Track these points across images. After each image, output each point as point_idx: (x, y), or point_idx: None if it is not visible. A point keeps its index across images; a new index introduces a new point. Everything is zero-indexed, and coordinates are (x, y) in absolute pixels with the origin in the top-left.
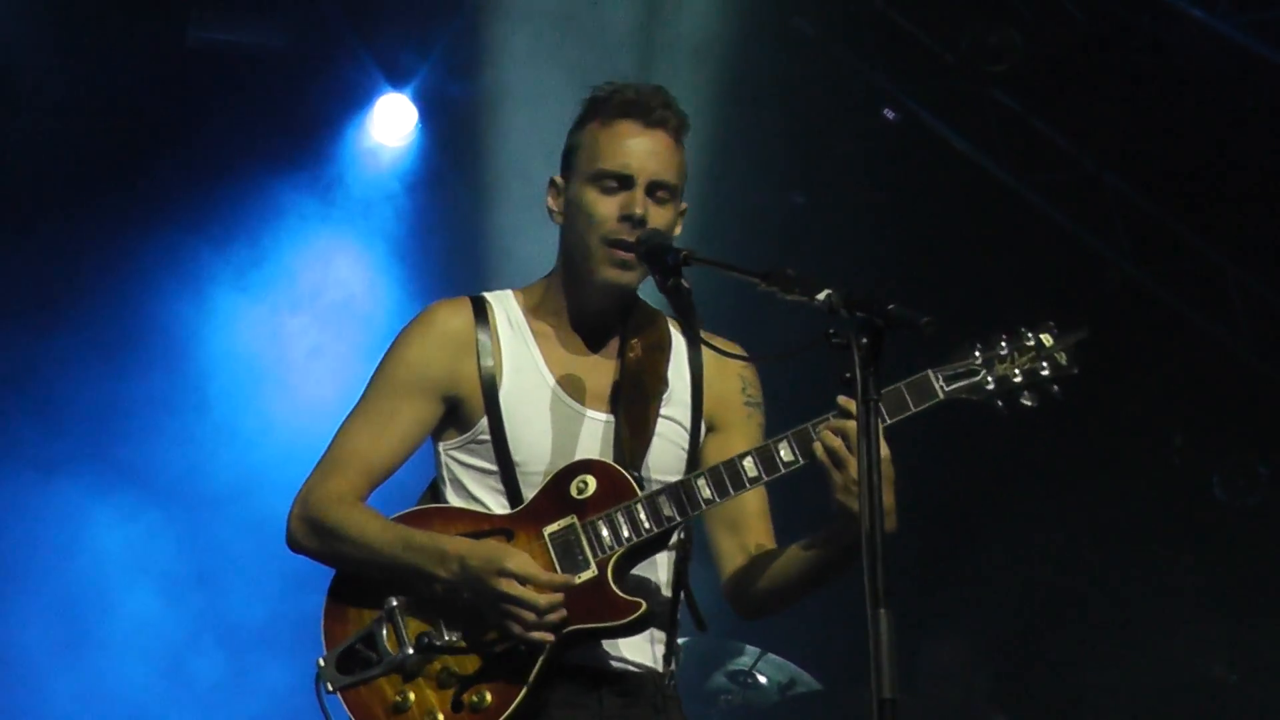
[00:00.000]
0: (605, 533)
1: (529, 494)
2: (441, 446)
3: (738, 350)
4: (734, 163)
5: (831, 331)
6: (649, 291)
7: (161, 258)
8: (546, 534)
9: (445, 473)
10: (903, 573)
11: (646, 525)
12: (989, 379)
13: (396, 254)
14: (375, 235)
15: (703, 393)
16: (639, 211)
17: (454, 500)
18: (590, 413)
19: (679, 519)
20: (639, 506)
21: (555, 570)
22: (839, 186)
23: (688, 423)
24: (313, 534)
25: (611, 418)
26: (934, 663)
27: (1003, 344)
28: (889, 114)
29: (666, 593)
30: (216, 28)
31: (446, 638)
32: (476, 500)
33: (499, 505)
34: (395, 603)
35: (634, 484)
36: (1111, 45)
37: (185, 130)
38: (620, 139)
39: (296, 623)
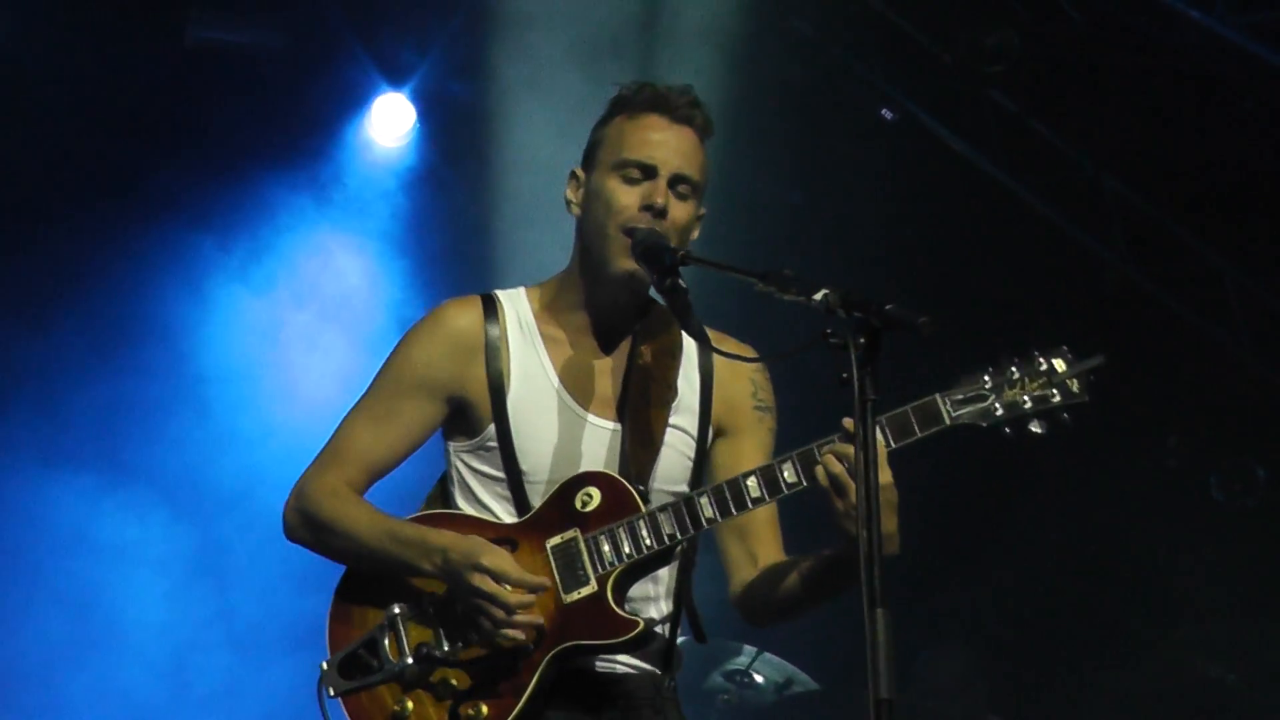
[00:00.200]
0: (607, 548)
1: (536, 502)
2: (451, 447)
3: (745, 352)
4: (732, 163)
5: (829, 332)
6: None
7: (162, 257)
8: (549, 546)
9: (454, 473)
10: (900, 577)
11: (648, 542)
12: (997, 405)
13: (396, 253)
14: (375, 235)
15: (711, 399)
16: (660, 201)
17: (463, 504)
18: (598, 421)
19: (680, 537)
20: (641, 523)
21: (555, 581)
22: (836, 187)
23: (695, 431)
24: (305, 525)
25: (619, 426)
26: (932, 667)
27: (1013, 369)
28: (887, 115)
29: (668, 602)
30: (216, 27)
31: (446, 649)
32: (485, 507)
33: (506, 513)
34: (398, 610)
35: (638, 499)
36: (1109, 46)
37: (185, 131)
38: (646, 131)
39: (300, 624)
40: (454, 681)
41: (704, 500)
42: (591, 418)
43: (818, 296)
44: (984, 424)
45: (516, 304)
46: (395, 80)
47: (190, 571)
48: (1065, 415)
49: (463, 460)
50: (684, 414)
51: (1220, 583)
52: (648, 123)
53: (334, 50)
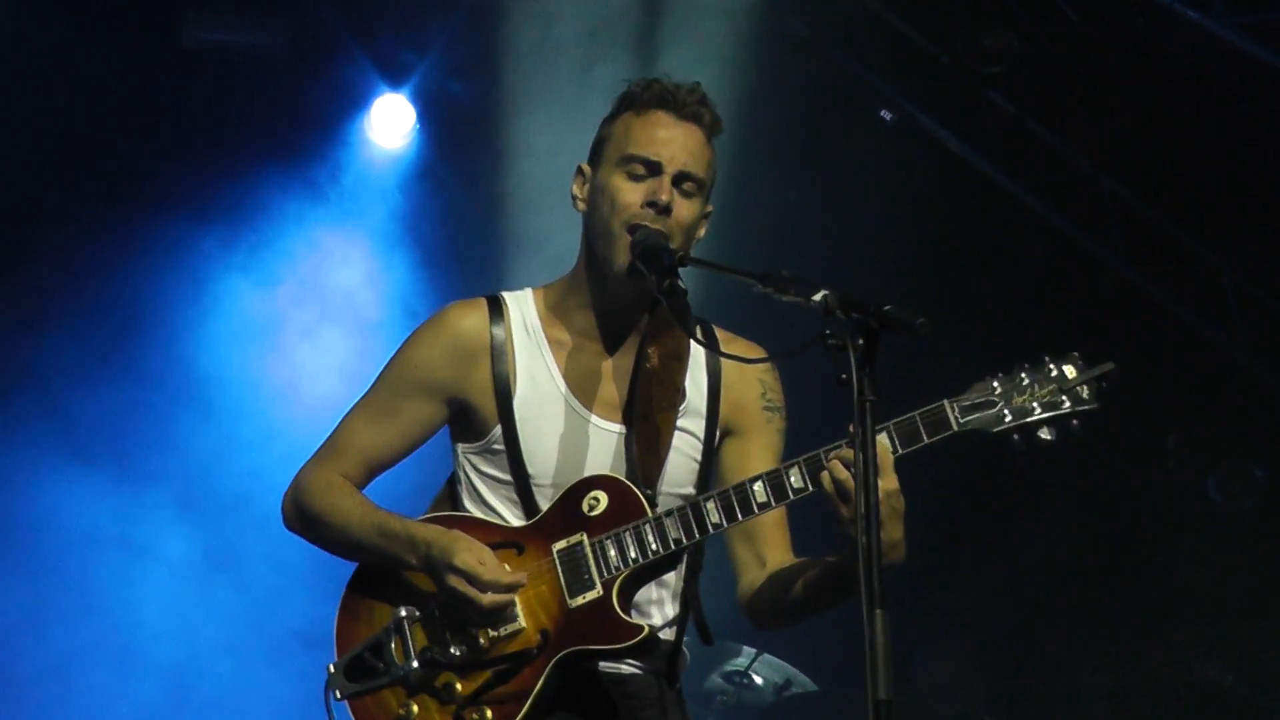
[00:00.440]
0: (612, 553)
1: (543, 505)
2: (459, 448)
3: (755, 352)
4: (730, 163)
5: (827, 333)
6: None
7: (163, 257)
8: (555, 551)
9: (462, 475)
10: (899, 575)
11: (654, 547)
12: (1006, 412)
13: (397, 254)
14: (375, 236)
15: (719, 401)
16: (664, 199)
17: (470, 506)
18: (605, 424)
19: (686, 542)
20: (647, 528)
21: (561, 585)
22: (835, 188)
23: (702, 434)
24: (299, 517)
25: (625, 430)
26: (930, 668)
27: (1023, 375)
28: (885, 116)
29: (674, 606)
30: (214, 29)
31: (451, 653)
32: (492, 510)
33: (514, 515)
34: (404, 613)
35: (645, 503)
36: (1108, 47)
37: (184, 133)
38: (652, 127)
39: (307, 626)
40: (459, 686)
41: (710, 505)
42: (598, 421)
43: (816, 298)
44: (993, 430)
45: (522, 306)
46: (394, 81)
47: (193, 573)
48: (1075, 422)
49: (470, 462)
50: (691, 417)
51: (1218, 584)
52: (654, 119)
53: (333, 51)
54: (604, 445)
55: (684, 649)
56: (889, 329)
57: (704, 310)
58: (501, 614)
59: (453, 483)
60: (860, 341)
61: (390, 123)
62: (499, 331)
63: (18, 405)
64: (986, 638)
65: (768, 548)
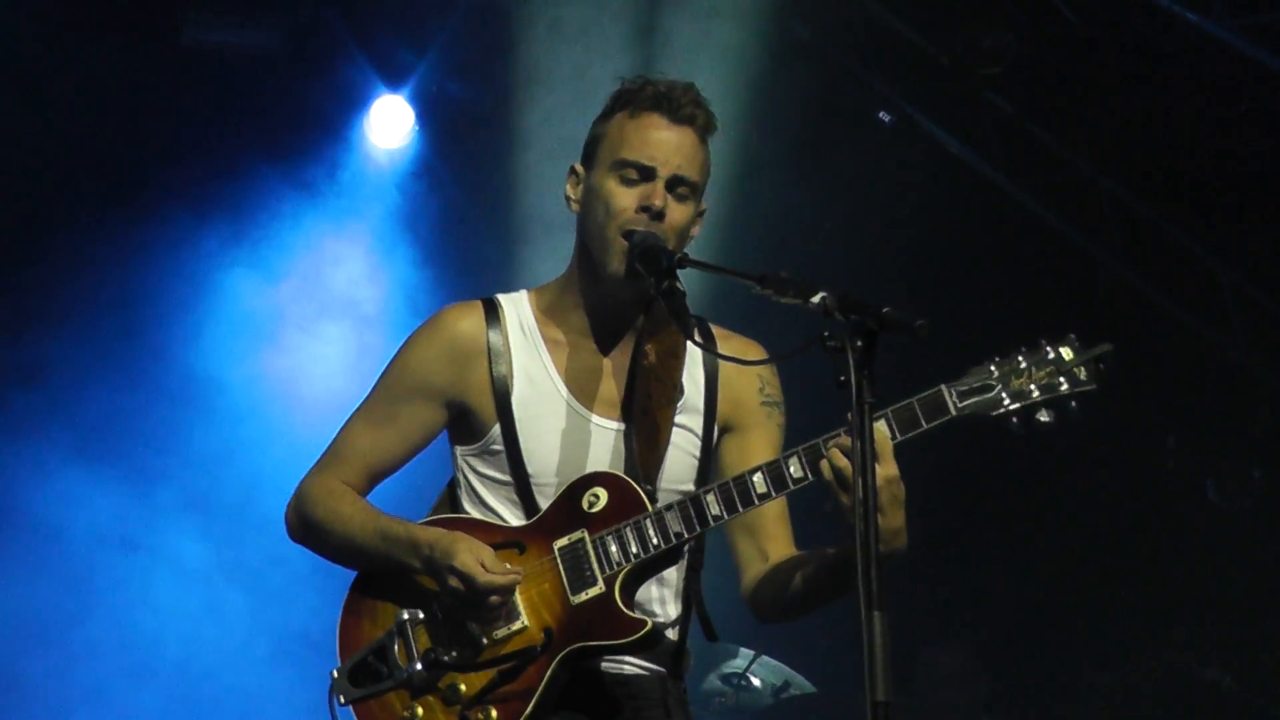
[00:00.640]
0: (614, 548)
1: (543, 504)
2: (458, 451)
3: (752, 350)
4: (730, 165)
5: (826, 334)
6: None
7: (164, 256)
8: (556, 548)
9: (461, 477)
10: (900, 571)
11: (655, 541)
12: (1004, 395)
13: (396, 253)
14: (374, 235)
15: (716, 397)
16: (658, 204)
17: (470, 509)
18: (603, 422)
19: (687, 535)
20: (648, 522)
21: (563, 583)
22: (834, 189)
23: (701, 430)
24: (303, 526)
25: (624, 427)
26: (930, 668)
27: (1020, 358)
28: (884, 117)
29: (676, 604)
30: (214, 29)
31: (454, 654)
32: (492, 511)
33: (514, 516)
34: (406, 616)
35: (645, 498)
36: (1106, 48)
37: (184, 133)
38: (646, 131)
39: (311, 631)
40: (463, 687)
41: (710, 497)
42: (596, 419)
43: (815, 299)
44: (991, 414)
45: (518, 307)
46: (393, 82)
47: (198, 573)
48: (1073, 404)
49: (469, 464)
50: (689, 413)
51: (1218, 584)
52: (648, 122)
53: (332, 52)
54: (603, 442)
55: (688, 650)
56: (888, 330)
57: (704, 310)
58: (503, 613)
59: (452, 486)
60: (859, 343)
61: (389, 123)
62: (495, 333)
63: (21, 404)
64: (986, 637)
65: (770, 542)
